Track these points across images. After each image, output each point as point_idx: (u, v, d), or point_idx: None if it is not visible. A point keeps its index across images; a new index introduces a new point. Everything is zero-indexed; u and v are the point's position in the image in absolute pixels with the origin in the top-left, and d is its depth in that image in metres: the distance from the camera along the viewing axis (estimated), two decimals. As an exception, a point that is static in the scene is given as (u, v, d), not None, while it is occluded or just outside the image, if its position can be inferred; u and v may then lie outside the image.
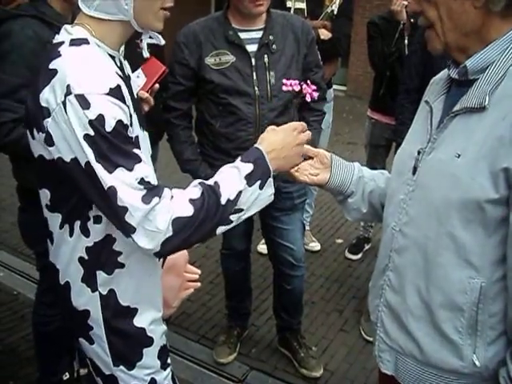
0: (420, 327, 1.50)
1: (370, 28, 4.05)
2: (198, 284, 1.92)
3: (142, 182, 1.38)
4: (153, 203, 1.37)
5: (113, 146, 1.35)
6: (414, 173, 1.51)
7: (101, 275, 1.55)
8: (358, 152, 6.62)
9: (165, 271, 1.78)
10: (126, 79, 1.57)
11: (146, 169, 1.41)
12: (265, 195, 1.54)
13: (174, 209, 1.40)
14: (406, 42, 3.84)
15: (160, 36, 1.59)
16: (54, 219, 1.55)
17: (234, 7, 2.63)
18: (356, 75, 10.89)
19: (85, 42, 1.44)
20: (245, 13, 2.59)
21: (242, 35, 2.64)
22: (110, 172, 1.34)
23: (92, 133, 1.32)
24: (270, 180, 1.54)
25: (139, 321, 1.63)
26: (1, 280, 4.13)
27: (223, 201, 1.45)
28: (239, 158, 1.54)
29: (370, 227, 4.60)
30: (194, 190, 1.46)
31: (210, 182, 1.49)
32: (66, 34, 1.47)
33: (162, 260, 1.73)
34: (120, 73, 1.50)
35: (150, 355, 1.68)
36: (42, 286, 2.75)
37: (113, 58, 1.51)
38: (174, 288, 1.84)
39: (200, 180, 1.51)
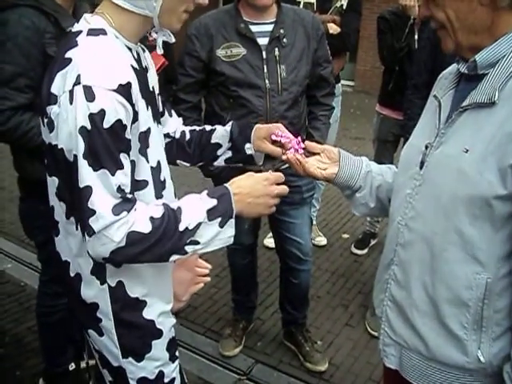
0: (425, 322, 1.51)
1: (380, 23, 4.04)
2: (208, 279, 1.92)
3: (119, 189, 1.40)
4: (120, 216, 1.38)
5: (105, 144, 1.35)
6: (421, 167, 1.51)
7: (109, 267, 1.56)
8: (365, 147, 6.62)
9: (176, 265, 1.79)
10: (143, 71, 1.58)
11: (124, 177, 1.42)
12: (224, 235, 1.53)
13: (133, 222, 1.40)
14: (416, 37, 3.83)
15: (172, 35, 1.60)
16: (60, 209, 1.56)
17: (244, 0, 2.63)
18: (364, 70, 10.86)
19: (102, 32, 1.44)
20: (252, 4, 2.59)
21: (253, 28, 2.63)
22: (95, 170, 1.36)
23: (89, 127, 1.33)
24: (232, 220, 1.53)
25: (148, 313, 1.64)
26: (8, 271, 4.16)
27: (181, 227, 1.45)
28: (206, 192, 1.54)
29: (376, 222, 4.60)
30: (157, 208, 1.46)
31: (174, 205, 1.49)
32: (84, 23, 1.47)
33: None
34: (136, 65, 1.51)
35: (159, 347, 1.68)
36: (45, 276, 2.77)
37: (130, 49, 1.51)
38: (184, 282, 1.85)
39: (164, 201, 1.52)
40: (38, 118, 2.22)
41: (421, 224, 1.50)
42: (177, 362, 1.77)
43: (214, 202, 1.51)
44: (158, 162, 1.62)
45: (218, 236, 1.52)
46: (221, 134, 1.92)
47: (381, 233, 4.63)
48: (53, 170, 1.53)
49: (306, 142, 1.80)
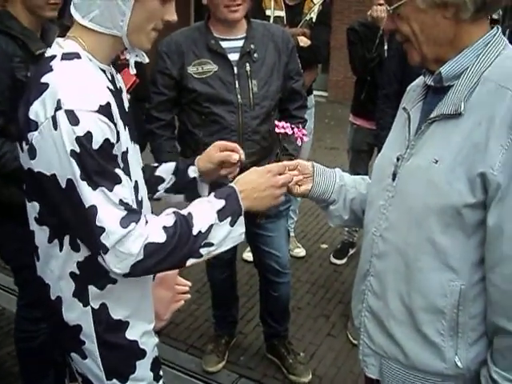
0: (403, 331, 1.53)
1: (349, 34, 4.08)
2: (188, 296, 1.93)
3: (121, 202, 1.40)
4: (130, 228, 1.39)
5: (97, 164, 1.36)
6: (393, 179, 1.54)
7: (92, 289, 1.55)
8: (340, 157, 6.65)
9: (156, 284, 1.79)
10: (118, 92, 1.58)
11: (124, 190, 1.43)
12: (235, 233, 1.56)
13: (148, 234, 1.42)
14: (386, 47, 3.88)
15: (145, 54, 1.60)
16: (42, 233, 1.54)
17: (213, 16, 2.66)
18: (336, 81, 10.95)
19: (76, 56, 1.44)
20: (223, 20, 2.61)
21: (224, 44, 2.65)
22: (94, 189, 1.36)
23: (78, 150, 1.33)
24: (241, 218, 1.56)
25: (131, 333, 1.63)
26: (-15, 295, 4.11)
27: (195, 232, 1.48)
28: (212, 194, 1.57)
29: (354, 232, 4.62)
30: (168, 217, 1.49)
31: (184, 212, 1.51)
32: (57, 47, 1.47)
33: None
34: (111, 86, 1.51)
35: (143, 367, 1.68)
36: (23, 301, 2.73)
37: (104, 72, 1.52)
38: (165, 301, 1.85)
39: (174, 209, 1.53)
40: (10, 143, 2.20)
41: (394, 235, 1.52)
42: (161, 381, 1.76)
43: (223, 202, 1.53)
44: (136, 182, 1.62)
45: (230, 235, 1.55)
46: (166, 168, 1.89)
47: (359, 242, 4.63)
48: (33, 196, 1.52)
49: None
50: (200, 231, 1.48)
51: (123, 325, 1.62)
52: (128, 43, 1.50)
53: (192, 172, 1.85)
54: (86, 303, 1.56)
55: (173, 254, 1.45)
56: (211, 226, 1.50)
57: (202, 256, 1.52)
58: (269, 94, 2.71)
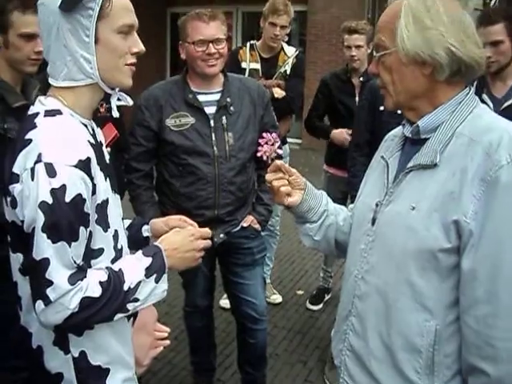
0: (382, 369, 1.57)
1: (321, 86, 4.25)
2: (168, 342, 1.94)
3: (73, 260, 1.46)
4: (76, 285, 1.46)
5: (66, 216, 1.42)
6: (373, 224, 1.61)
7: (72, 337, 1.57)
8: (314, 204, 6.70)
9: (135, 330, 1.80)
10: (99, 146, 1.64)
11: (78, 248, 1.48)
12: (159, 290, 1.64)
13: (86, 288, 1.48)
14: (357, 98, 4.01)
15: (128, 97, 1.67)
16: (25, 283, 1.56)
17: (191, 70, 2.75)
18: (310, 128, 11.08)
19: (58, 112, 1.51)
20: (201, 74, 2.71)
21: (201, 98, 2.74)
22: (54, 242, 1.42)
23: (51, 201, 1.40)
24: (165, 276, 1.65)
25: (112, 381, 1.65)
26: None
27: (125, 287, 1.55)
28: (141, 251, 1.65)
29: (329, 277, 4.67)
30: (102, 272, 1.54)
31: (115, 267, 1.58)
32: (40, 105, 1.54)
33: (132, 319, 1.76)
34: (93, 140, 1.57)
35: None
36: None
37: (85, 126, 1.58)
38: (144, 346, 1.85)
39: (106, 265, 1.59)
40: None
41: (375, 276, 1.58)
42: None
43: (150, 260, 1.62)
44: (116, 231, 1.67)
45: (154, 291, 1.62)
46: None
47: (334, 287, 4.70)
48: (17, 247, 1.56)
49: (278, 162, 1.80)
50: (130, 287, 1.56)
51: (103, 372, 1.63)
52: (105, 86, 1.56)
53: (145, 231, 1.94)
54: (66, 351, 1.58)
55: (104, 308, 1.51)
56: (139, 282, 1.58)
57: (128, 311, 1.59)
58: (244, 146, 2.79)
